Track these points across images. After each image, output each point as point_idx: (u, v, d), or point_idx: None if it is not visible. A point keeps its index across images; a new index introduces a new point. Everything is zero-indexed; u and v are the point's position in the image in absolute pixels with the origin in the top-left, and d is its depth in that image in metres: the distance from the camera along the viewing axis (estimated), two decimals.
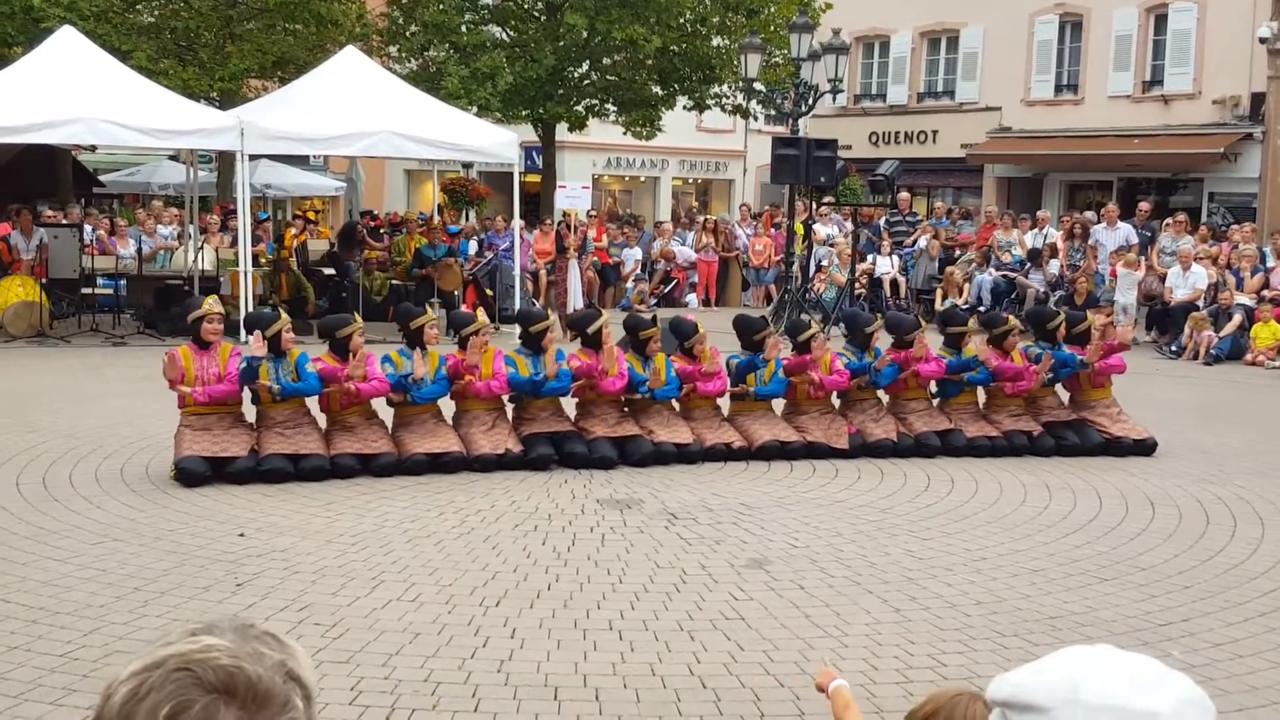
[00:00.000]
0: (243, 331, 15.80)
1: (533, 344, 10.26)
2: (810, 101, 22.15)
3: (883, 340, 11.44)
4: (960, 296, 22.15)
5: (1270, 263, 20.16)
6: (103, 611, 6.19)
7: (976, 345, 11.56)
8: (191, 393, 9.17)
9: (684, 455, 10.23)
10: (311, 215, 31.61)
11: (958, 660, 5.90)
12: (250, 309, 16.59)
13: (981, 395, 11.50)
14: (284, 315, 9.88)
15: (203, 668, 1.40)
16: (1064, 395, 11.70)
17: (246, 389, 9.45)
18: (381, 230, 24.14)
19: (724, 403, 10.99)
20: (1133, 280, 20.24)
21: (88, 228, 20.17)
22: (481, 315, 10.68)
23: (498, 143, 18.67)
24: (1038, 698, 1.65)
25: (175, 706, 1.37)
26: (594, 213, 26.44)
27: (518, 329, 10.71)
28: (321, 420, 9.79)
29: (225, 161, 24.61)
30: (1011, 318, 12.09)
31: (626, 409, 10.53)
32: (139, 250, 20.20)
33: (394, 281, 20.37)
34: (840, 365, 11.00)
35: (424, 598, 6.59)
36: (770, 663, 5.83)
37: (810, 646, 6.04)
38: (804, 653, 5.96)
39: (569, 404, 10.48)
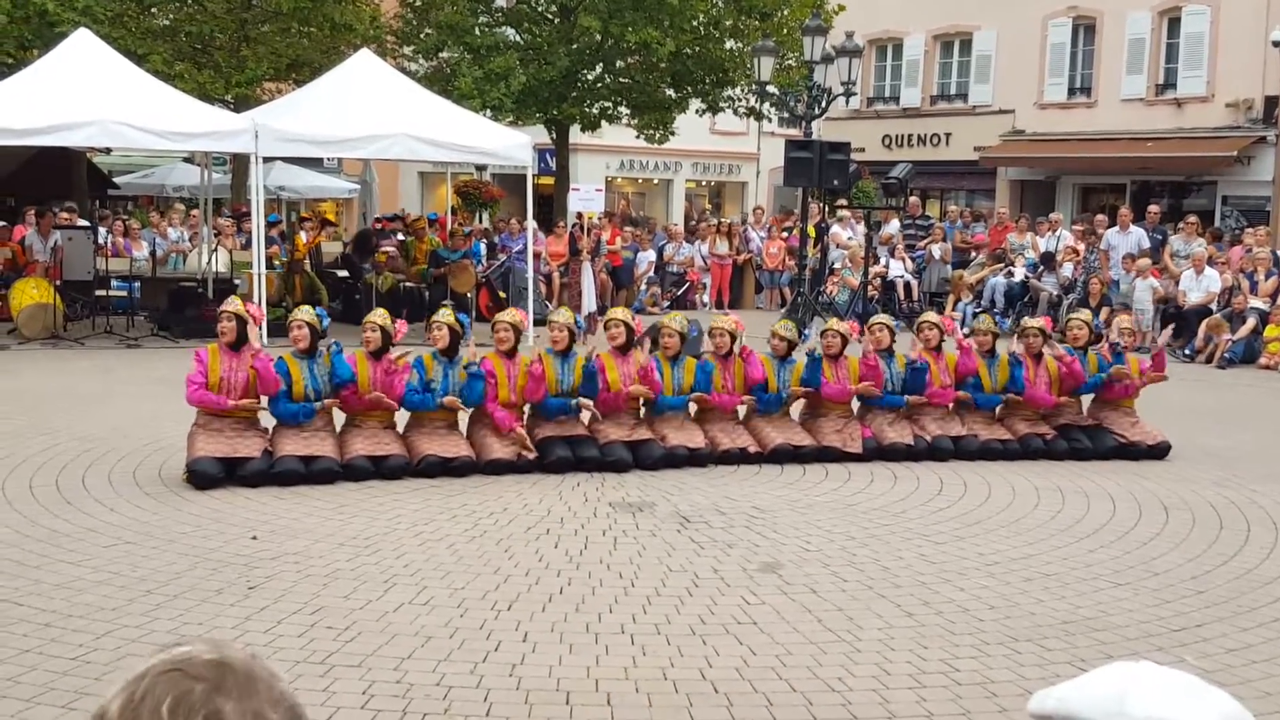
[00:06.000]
0: (255, 335, 15.91)
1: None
2: (823, 104, 22.15)
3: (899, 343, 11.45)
4: (969, 299, 22.13)
5: None
6: (115, 615, 6.20)
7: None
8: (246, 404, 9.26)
9: (696, 459, 10.23)
10: (331, 217, 31.73)
11: (971, 665, 5.88)
12: (264, 310, 16.65)
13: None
14: (297, 311, 9.81)
15: (189, 664, 1.45)
16: (1084, 399, 11.69)
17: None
18: (395, 233, 24.15)
19: (739, 407, 10.98)
20: (1149, 288, 20.16)
21: (101, 230, 20.23)
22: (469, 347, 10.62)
23: (511, 145, 18.69)
24: (1082, 711, 1.65)
25: (175, 698, 1.41)
26: (612, 214, 26.50)
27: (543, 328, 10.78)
28: (339, 418, 9.80)
29: (239, 164, 24.71)
30: (1028, 320, 12.06)
31: (641, 413, 10.54)
32: (152, 252, 20.27)
33: (406, 284, 20.40)
34: (873, 361, 10.98)
35: (436, 601, 6.59)
36: (783, 667, 5.81)
37: (823, 651, 6.03)
38: (816, 658, 5.94)
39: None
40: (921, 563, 7.63)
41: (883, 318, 11.88)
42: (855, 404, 11.20)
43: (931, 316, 11.83)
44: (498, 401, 9.91)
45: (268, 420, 9.63)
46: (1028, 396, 11.24)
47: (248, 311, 9.63)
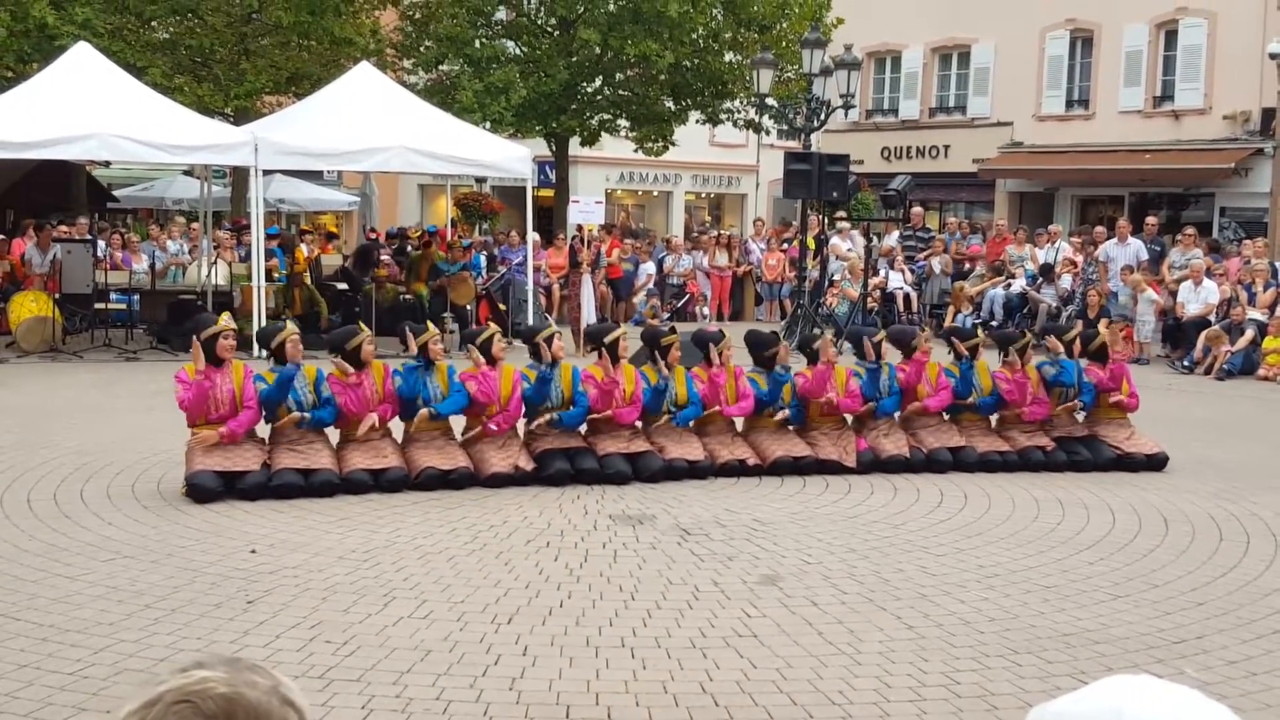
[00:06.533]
0: (255, 347, 15.88)
1: (540, 355, 10.30)
2: (822, 116, 22.17)
3: (891, 354, 11.44)
4: (969, 310, 22.13)
5: None
6: (113, 629, 6.19)
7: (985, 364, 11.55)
8: (219, 434, 9.16)
9: (696, 471, 10.22)
10: (334, 229, 31.79)
11: (971, 678, 5.87)
12: (263, 323, 16.66)
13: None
14: (289, 325, 9.86)
15: (201, 698, 1.40)
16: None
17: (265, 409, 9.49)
18: (407, 246, 24.11)
19: (738, 419, 10.99)
20: (1149, 301, 20.14)
21: (100, 243, 20.24)
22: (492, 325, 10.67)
23: (511, 158, 18.71)
24: None
25: None
26: (611, 226, 26.50)
27: (526, 347, 10.73)
28: (334, 435, 9.79)
29: (239, 176, 24.71)
30: (1027, 332, 12.06)
31: (639, 424, 10.52)
32: (152, 265, 20.26)
33: (405, 296, 20.42)
34: (855, 386, 10.97)
35: (436, 615, 6.58)
36: (783, 680, 5.80)
37: (823, 664, 6.01)
38: (817, 670, 5.93)
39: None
40: (922, 575, 7.62)
41: (881, 332, 11.89)
42: (848, 415, 11.19)
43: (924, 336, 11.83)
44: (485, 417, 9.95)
45: (265, 432, 9.62)
46: (1010, 396, 11.25)
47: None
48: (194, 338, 9.46)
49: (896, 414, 11.20)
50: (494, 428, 9.94)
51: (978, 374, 11.36)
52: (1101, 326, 12.43)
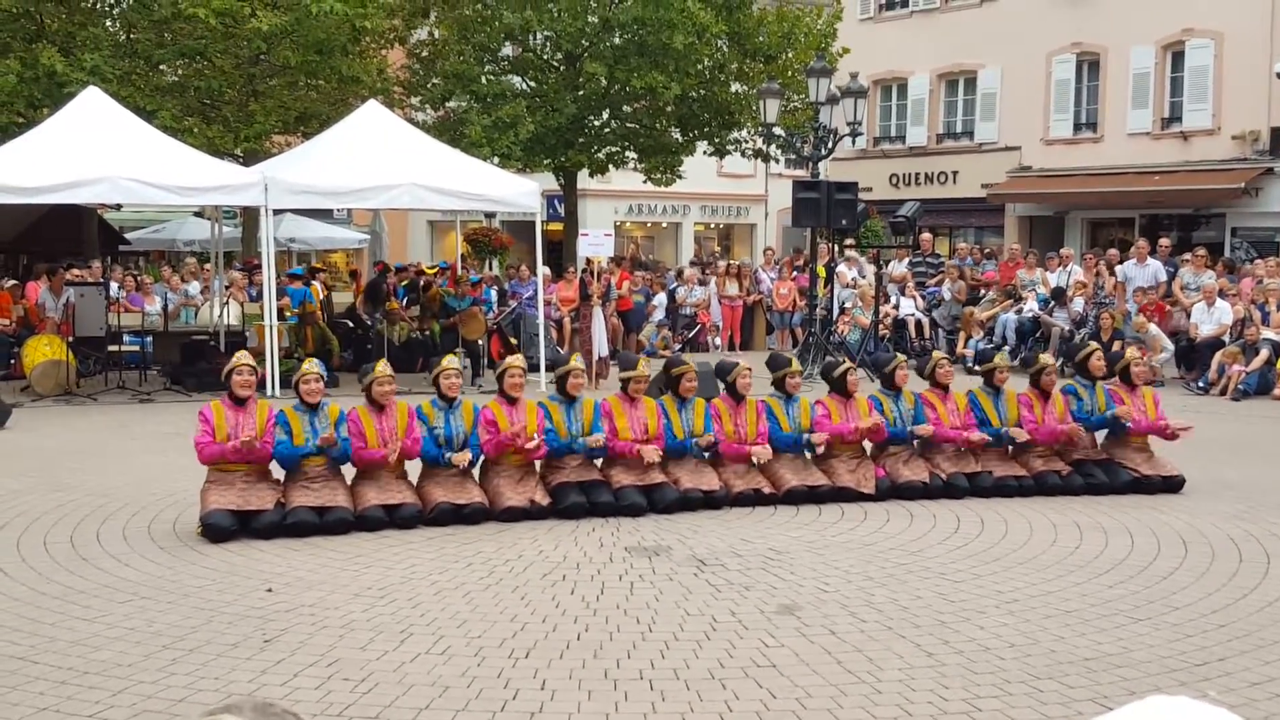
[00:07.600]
0: (269, 385, 15.92)
1: (563, 389, 10.32)
2: (830, 145, 22.20)
3: (912, 380, 11.42)
4: (980, 336, 22.10)
5: None
6: (131, 671, 6.17)
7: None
8: (239, 445, 9.18)
9: (711, 501, 10.20)
10: (343, 267, 31.94)
11: (993, 705, 5.83)
12: (276, 362, 16.70)
13: None
14: (308, 363, 9.87)
15: None
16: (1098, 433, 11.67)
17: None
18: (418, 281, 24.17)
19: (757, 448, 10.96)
20: (1154, 337, 20.04)
21: (114, 285, 20.31)
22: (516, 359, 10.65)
23: (519, 192, 18.76)
24: None
25: None
26: (620, 258, 26.52)
27: (553, 377, 10.73)
28: (349, 473, 9.79)
29: (250, 216, 24.82)
30: (1044, 356, 12.00)
31: None
32: (164, 307, 20.32)
33: (415, 334, 20.46)
34: (877, 418, 10.89)
35: (453, 650, 6.56)
36: (803, 710, 5.76)
37: (843, 693, 5.98)
38: (837, 700, 5.89)
39: None
40: (940, 601, 7.58)
41: (901, 358, 11.90)
42: (867, 444, 11.16)
43: (941, 356, 11.80)
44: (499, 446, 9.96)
45: (280, 471, 9.62)
46: (1034, 434, 11.20)
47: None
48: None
49: (916, 441, 11.17)
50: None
51: (1005, 403, 11.32)
52: (1133, 352, 12.36)
